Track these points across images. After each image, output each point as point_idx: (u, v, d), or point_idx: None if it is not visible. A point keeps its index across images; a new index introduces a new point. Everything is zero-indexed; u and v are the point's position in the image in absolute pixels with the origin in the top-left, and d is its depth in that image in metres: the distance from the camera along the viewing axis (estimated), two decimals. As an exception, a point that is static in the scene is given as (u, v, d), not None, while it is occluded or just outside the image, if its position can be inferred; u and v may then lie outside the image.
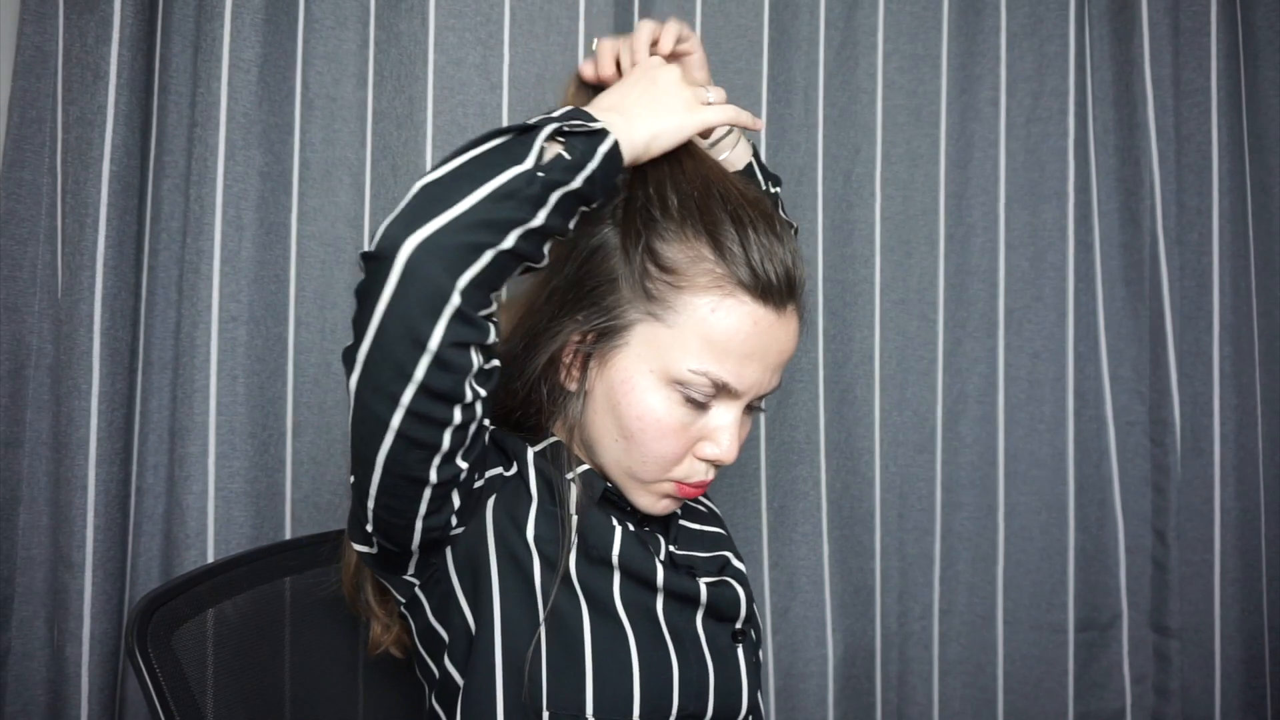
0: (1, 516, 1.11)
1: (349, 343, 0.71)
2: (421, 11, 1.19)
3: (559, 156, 0.71)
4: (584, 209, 0.75)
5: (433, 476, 0.73)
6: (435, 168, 0.71)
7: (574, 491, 0.83)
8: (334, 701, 1.02)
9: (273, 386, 1.16)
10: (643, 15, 1.27)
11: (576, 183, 0.71)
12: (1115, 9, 1.42)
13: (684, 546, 0.91)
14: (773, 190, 1.05)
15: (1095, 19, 1.42)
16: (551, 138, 0.72)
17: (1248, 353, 1.40)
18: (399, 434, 0.70)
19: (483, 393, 0.72)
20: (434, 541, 0.79)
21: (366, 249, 0.69)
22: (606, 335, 0.81)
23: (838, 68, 1.34)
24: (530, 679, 0.78)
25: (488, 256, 0.68)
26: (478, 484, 0.81)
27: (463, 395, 0.70)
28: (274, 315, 1.16)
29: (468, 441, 0.74)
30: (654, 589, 0.83)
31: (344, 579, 0.91)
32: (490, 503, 0.81)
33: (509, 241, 0.68)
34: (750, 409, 0.85)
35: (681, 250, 0.79)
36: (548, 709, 0.78)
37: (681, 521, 0.93)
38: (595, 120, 0.74)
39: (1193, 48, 1.39)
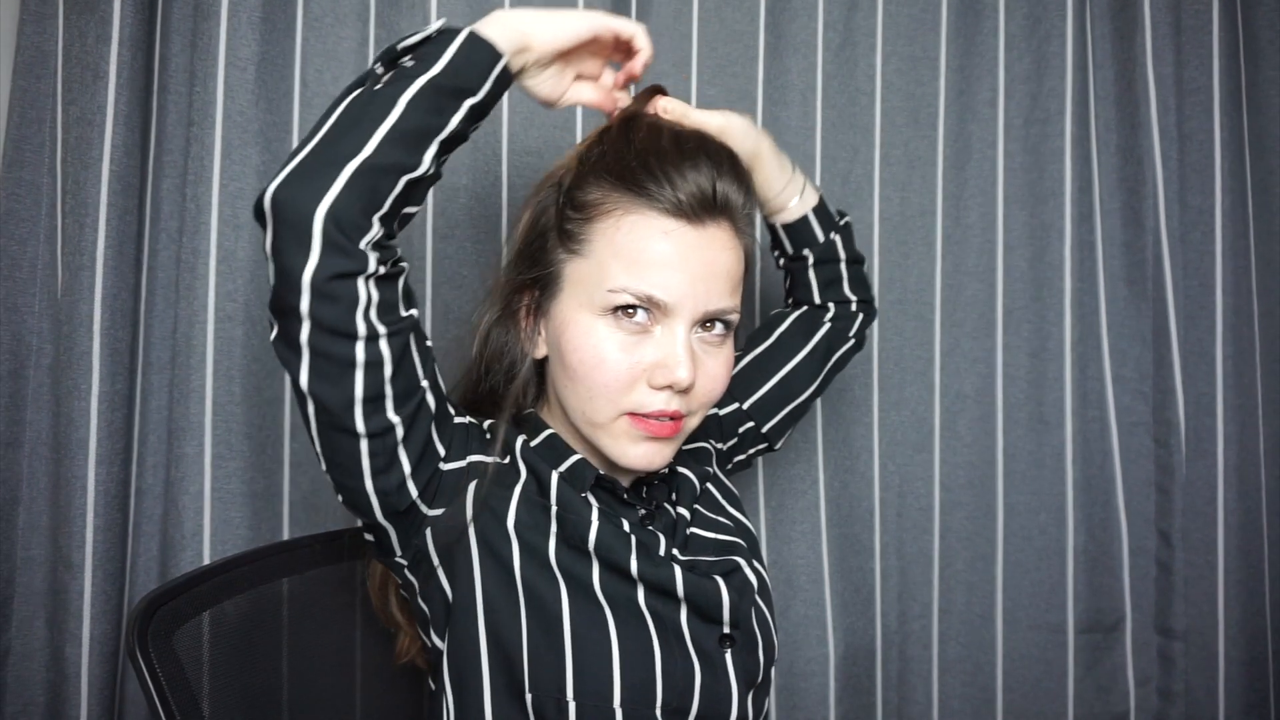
0: (1, 517, 1.11)
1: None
2: (423, 9, 1.19)
3: (401, 67, 0.74)
4: (471, 100, 0.76)
5: (359, 426, 0.74)
6: None
7: (553, 482, 0.85)
8: (333, 701, 1.02)
9: (270, 387, 1.16)
10: (640, 17, 1.27)
11: (434, 70, 0.73)
12: (1117, 8, 1.42)
13: (693, 551, 0.90)
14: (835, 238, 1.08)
15: (1097, 18, 1.42)
16: (394, 63, 0.76)
17: (1248, 353, 1.40)
18: (310, 381, 0.72)
19: (381, 329, 0.73)
20: (404, 514, 0.80)
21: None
22: (546, 288, 0.84)
23: (836, 70, 1.34)
24: (511, 660, 0.80)
25: (347, 175, 0.69)
26: (453, 465, 0.82)
27: (354, 329, 0.71)
28: (271, 315, 1.16)
29: (389, 391, 0.75)
30: (630, 579, 0.83)
31: (371, 591, 0.95)
32: (471, 487, 0.82)
33: (368, 151, 0.70)
34: (709, 332, 0.83)
35: (593, 190, 0.82)
36: (530, 690, 0.79)
37: (693, 529, 0.92)
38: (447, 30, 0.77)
39: (1194, 46, 1.39)
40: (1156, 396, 1.42)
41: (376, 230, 0.71)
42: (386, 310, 0.73)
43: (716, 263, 0.82)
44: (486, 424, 0.88)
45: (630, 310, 0.80)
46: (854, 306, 1.09)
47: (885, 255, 1.36)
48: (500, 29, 0.77)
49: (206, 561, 1.10)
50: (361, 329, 0.71)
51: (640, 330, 0.80)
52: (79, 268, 1.07)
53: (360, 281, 0.71)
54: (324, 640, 1.02)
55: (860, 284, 1.10)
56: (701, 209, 0.80)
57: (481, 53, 0.76)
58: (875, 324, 1.36)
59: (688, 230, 0.80)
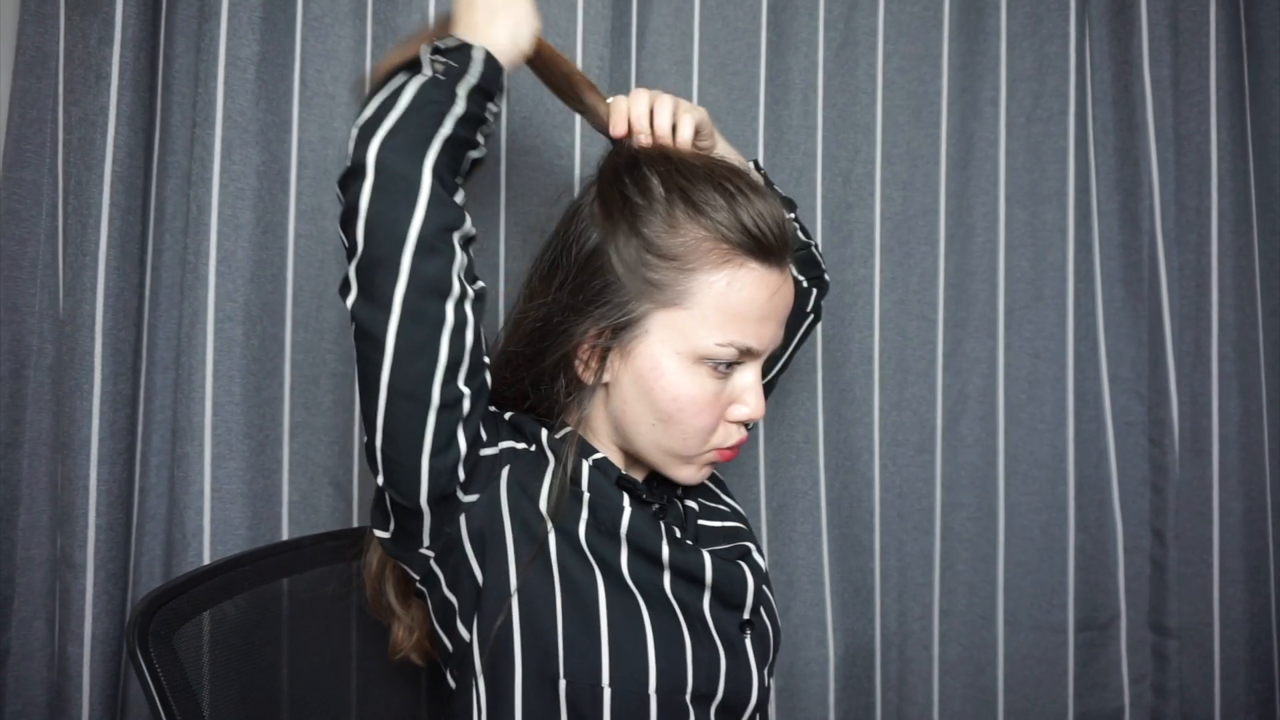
0: (1, 517, 1.11)
1: (340, 279, 0.77)
2: (421, 8, 1.19)
3: (448, 66, 0.80)
4: (490, 105, 0.82)
5: (435, 395, 0.76)
6: (360, 115, 0.79)
7: (585, 470, 0.86)
8: (333, 701, 1.02)
9: (269, 387, 1.16)
10: (640, 19, 1.27)
11: (473, 77, 0.80)
12: (1115, 9, 1.42)
13: (705, 542, 0.92)
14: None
15: (1095, 19, 1.42)
16: (432, 61, 0.81)
17: (1252, 354, 1.40)
18: (398, 341, 0.74)
19: (470, 290, 0.78)
20: (444, 499, 0.80)
21: (339, 180, 0.77)
22: (623, 329, 0.84)
23: (837, 69, 1.34)
24: (546, 647, 0.80)
25: (439, 142, 0.76)
26: (489, 450, 0.83)
27: (450, 286, 0.75)
28: (270, 315, 1.16)
29: (466, 359, 0.77)
30: (660, 565, 0.84)
31: (366, 581, 0.94)
32: (505, 473, 0.83)
33: (448, 127, 0.77)
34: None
35: (678, 235, 0.82)
36: (565, 677, 0.79)
37: (701, 521, 0.94)
38: (464, 41, 0.83)
39: (1192, 48, 1.39)
40: (1151, 397, 1.42)
41: (461, 194, 0.78)
42: (469, 272, 0.79)
43: (788, 304, 0.87)
44: (508, 415, 0.89)
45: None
46: (805, 283, 1.12)
47: (887, 255, 1.36)
48: (499, 49, 0.85)
49: (206, 561, 1.10)
50: (456, 287, 0.76)
51: (727, 374, 0.85)
52: (81, 268, 1.07)
53: (456, 238, 0.76)
54: (324, 640, 1.02)
55: (810, 263, 1.14)
56: (781, 248, 0.84)
57: (495, 65, 0.83)
58: (877, 324, 1.37)
59: (777, 279, 0.84)
